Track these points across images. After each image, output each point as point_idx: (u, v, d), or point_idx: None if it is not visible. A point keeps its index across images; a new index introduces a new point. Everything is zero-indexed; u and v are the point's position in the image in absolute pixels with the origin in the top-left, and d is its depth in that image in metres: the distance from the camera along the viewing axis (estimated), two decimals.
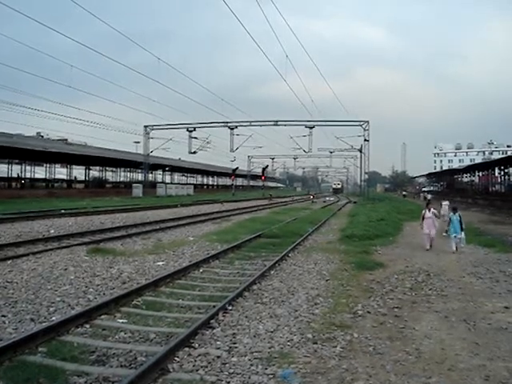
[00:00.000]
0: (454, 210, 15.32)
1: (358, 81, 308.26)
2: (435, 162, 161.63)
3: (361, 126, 57.48)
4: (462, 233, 14.55)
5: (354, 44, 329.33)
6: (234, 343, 5.95)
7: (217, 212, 31.05)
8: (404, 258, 13.18)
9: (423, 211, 15.56)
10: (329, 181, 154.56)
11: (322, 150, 78.39)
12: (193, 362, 5.28)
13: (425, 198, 54.75)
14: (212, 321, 6.74)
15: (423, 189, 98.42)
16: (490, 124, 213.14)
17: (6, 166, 59.68)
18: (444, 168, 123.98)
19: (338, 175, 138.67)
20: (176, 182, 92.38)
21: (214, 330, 6.41)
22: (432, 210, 15.40)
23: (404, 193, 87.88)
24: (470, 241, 15.73)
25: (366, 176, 67.53)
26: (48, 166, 65.69)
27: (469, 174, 69.91)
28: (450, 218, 15.03)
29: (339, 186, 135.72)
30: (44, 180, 65.41)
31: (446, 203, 24.93)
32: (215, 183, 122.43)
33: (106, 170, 78.73)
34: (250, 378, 4.93)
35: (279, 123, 57.38)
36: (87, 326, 6.41)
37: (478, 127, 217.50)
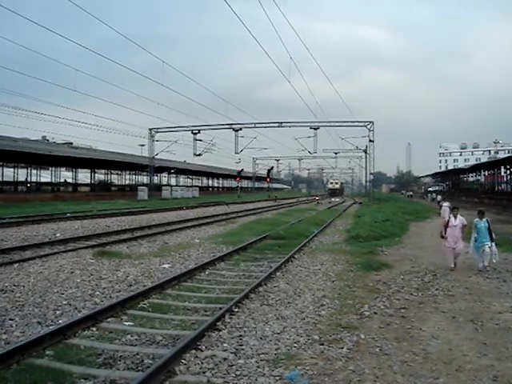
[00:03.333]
0: (481, 214, 11.95)
1: (363, 82, 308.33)
2: (440, 161, 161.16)
3: (365, 126, 57.33)
4: (493, 244, 11.42)
5: (357, 45, 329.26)
6: (241, 345, 5.95)
7: (222, 214, 31.05)
8: (410, 258, 13.14)
9: (446, 217, 12.32)
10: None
11: (327, 151, 78.34)
12: (200, 365, 5.28)
13: (433, 199, 54.12)
14: (218, 323, 6.73)
15: (429, 189, 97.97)
16: (495, 123, 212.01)
17: (12, 170, 59.99)
18: (449, 168, 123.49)
19: (337, 173, 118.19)
20: (181, 184, 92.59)
21: (221, 332, 6.41)
22: (459, 216, 12.05)
23: (410, 193, 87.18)
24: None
25: (371, 176, 67.29)
26: (54, 169, 65.96)
27: (474, 174, 69.60)
28: (476, 225, 11.68)
29: (337, 186, 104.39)
30: (50, 184, 65.67)
31: (446, 204, 23.46)
32: (220, 185, 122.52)
33: (111, 173, 78.96)
34: (256, 379, 4.93)
35: (284, 125, 57.33)
36: (94, 328, 6.43)
37: (484, 126, 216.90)
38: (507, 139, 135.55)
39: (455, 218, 12.02)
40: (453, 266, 11.53)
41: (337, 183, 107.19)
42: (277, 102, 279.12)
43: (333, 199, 71.08)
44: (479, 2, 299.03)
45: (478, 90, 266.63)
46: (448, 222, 12.02)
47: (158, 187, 68.65)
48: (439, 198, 25.50)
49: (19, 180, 60.46)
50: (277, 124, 57.49)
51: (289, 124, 57.57)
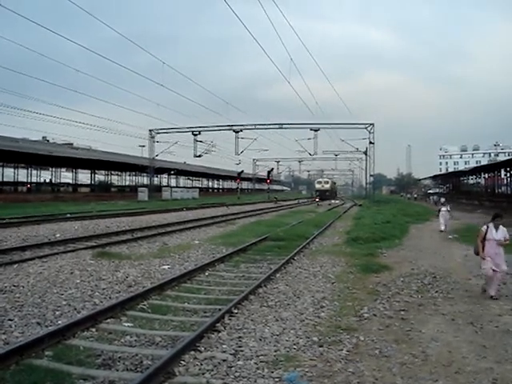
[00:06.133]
0: None
1: (363, 83, 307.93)
2: (440, 163, 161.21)
3: (366, 128, 57.34)
4: None
5: (357, 45, 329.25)
6: (240, 346, 5.94)
7: (222, 215, 31.04)
8: (410, 260, 13.13)
9: (483, 228, 9.02)
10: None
11: (327, 153, 78.22)
12: (199, 366, 5.27)
13: (436, 202, 53.80)
14: (218, 324, 6.73)
15: (429, 191, 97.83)
16: (495, 125, 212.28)
17: (13, 170, 60.04)
18: (449, 170, 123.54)
19: (337, 175, 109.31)
20: (181, 185, 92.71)
21: (220, 334, 6.40)
22: (501, 227, 9.06)
23: (414, 195, 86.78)
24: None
25: (372, 178, 67.30)
26: (54, 170, 66.02)
27: (474, 176, 69.62)
28: None
29: (327, 187, 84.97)
30: (50, 184, 65.73)
31: (445, 209, 22.38)
32: (220, 186, 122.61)
33: (111, 174, 79.03)
34: (255, 381, 4.92)
35: (284, 126, 57.34)
36: (93, 329, 6.42)
37: (484, 128, 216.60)
38: (507, 141, 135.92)
39: (496, 229, 9.00)
40: (494, 293, 8.64)
41: (327, 182, 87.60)
42: (278, 102, 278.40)
43: (332, 201, 70.35)
44: (479, 2, 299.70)
45: (480, 91, 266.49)
46: (485, 234, 8.94)
47: (158, 188, 68.71)
48: (442, 200, 22.90)
49: (19, 180, 60.57)
50: (277, 125, 57.53)
51: (289, 126, 57.62)
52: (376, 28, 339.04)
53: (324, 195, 77.21)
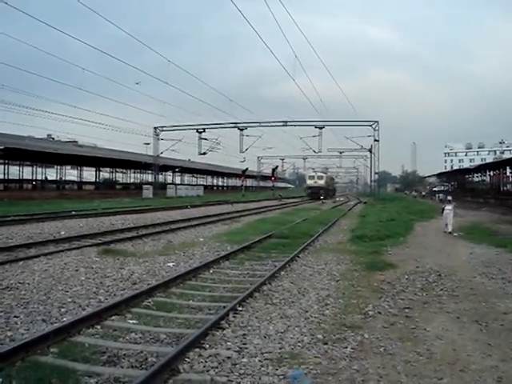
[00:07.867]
0: None
1: (368, 80, 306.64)
2: (446, 161, 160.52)
3: (371, 126, 57.13)
4: None
5: (361, 43, 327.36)
6: (245, 344, 5.95)
7: (227, 213, 31.01)
8: (415, 258, 13.08)
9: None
10: (338, 181, 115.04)
11: (332, 151, 77.83)
12: (203, 363, 5.28)
13: (441, 200, 53.29)
14: (222, 322, 6.73)
15: (434, 188, 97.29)
16: (500, 123, 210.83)
17: (18, 168, 60.26)
18: (455, 168, 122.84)
19: (342, 173, 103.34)
20: (186, 183, 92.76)
21: (225, 331, 6.41)
22: None
23: (422, 193, 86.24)
24: (481, 241, 15.57)
25: (376, 176, 67.05)
26: (59, 167, 66.22)
27: (480, 174, 69.29)
28: None
29: (321, 183, 67.63)
30: (55, 181, 65.97)
31: (449, 208, 20.64)
32: (225, 184, 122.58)
33: (116, 172, 79.19)
34: (260, 378, 4.93)
35: (289, 124, 57.21)
36: (98, 326, 6.44)
37: (489, 127, 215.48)
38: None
39: None
40: None
41: (321, 178, 69.12)
42: (282, 100, 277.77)
43: (337, 199, 69.80)
44: (481, 2, 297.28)
45: (485, 89, 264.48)
46: None
47: (163, 186, 68.76)
48: (449, 198, 21.82)
49: (24, 178, 60.80)
50: (282, 123, 57.44)
51: (294, 123, 57.51)
52: (380, 25, 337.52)
53: (318, 193, 62.86)
